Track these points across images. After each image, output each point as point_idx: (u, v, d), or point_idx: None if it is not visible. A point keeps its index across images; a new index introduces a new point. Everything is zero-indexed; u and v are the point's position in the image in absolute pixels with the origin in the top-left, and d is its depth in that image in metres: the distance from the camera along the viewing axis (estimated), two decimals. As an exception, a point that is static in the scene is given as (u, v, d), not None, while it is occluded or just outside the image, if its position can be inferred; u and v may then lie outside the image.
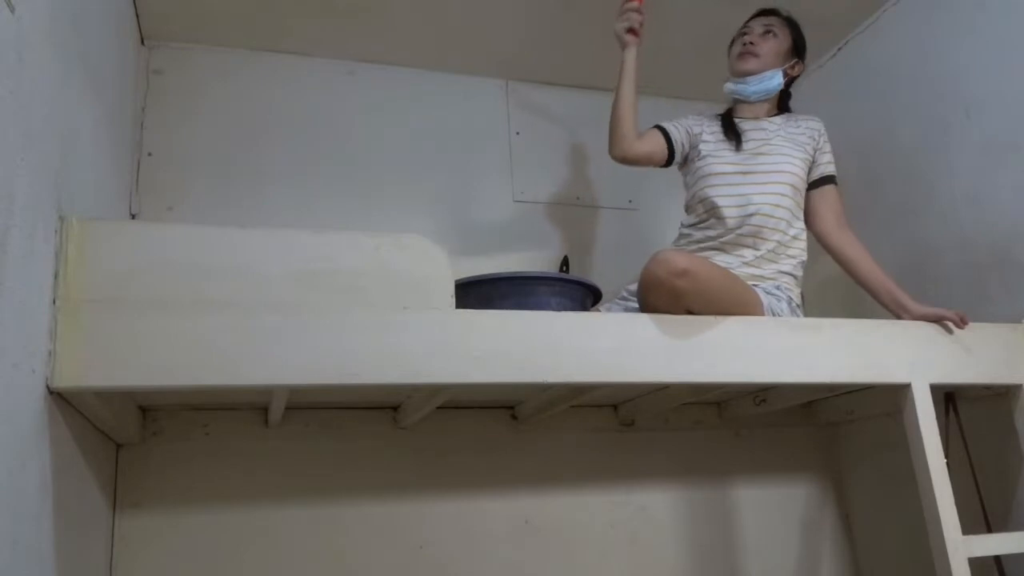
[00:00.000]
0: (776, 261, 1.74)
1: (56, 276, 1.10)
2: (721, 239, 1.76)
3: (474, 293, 1.56)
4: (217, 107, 2.07)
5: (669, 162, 1.91)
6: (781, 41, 1.87)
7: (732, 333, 1.46)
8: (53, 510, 1.12)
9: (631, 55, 1.87)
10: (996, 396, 1.69)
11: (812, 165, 1.83)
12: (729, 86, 1.88)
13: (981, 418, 1.75)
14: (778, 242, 1.74)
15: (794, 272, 1.76)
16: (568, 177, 2.36)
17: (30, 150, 0.99)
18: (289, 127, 2.12)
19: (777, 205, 1.75)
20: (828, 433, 2.23)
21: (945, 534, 1.46)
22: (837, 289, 2.18)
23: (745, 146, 1.82)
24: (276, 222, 2.00)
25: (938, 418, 1.54)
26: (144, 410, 1.70)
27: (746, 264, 1.73)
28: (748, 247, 1.74)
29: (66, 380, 1.07)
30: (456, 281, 1.35)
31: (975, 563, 1.46)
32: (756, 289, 1.64)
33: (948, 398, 1.78)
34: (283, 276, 1.23)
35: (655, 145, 1.90)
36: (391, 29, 2.11)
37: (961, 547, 1.46)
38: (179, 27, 2.03)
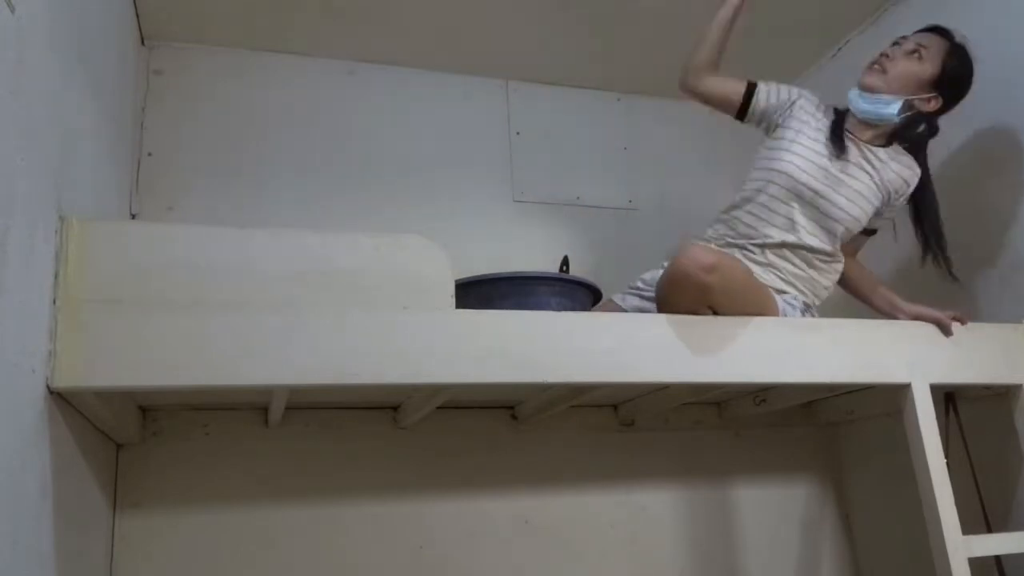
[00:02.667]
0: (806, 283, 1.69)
1: (56, 276, 1.10)
2: (759, 242, 1.66)
3: (474, 293, 1.56)
4: (217, 107, 2.07)
5: (742, 115, 1.76)
6: (924, 66, 1.63)
7: (732, 333, 1.46)
8: (53, 510, 1.12)
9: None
10: (996, 396, 1.69)
11: (882, 215, 1.72)
12: (851, 93, 1.70)
13: (981, 418, 1.75)
14: (808, 263, 1.67)
15: (812, 296, 1.71)
16: (568, 177, 2.36)
17: (30, 150, 0.99)
18: (289, 127, 2.12)
19: (823, 242, 1.66)
20: (828, 433, 2.23)
21: (945, 534, 1.46)
22: (837, 289, 2.18)
23: (839, 159, 1.64)
24: (276, 222, 2.00)
25: (938, 418, 1.54)
26: (144, 410, 1.70)
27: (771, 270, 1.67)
28: (784, 261, 1.67)
29: (66, 380, 1.07)
30: (456, 281, 1.35)
31: (975, 563, 1.46)
32: (777, 297, 1.62)
33: (948, 398, 1.78)
34: (283, 276, 1.23)
35: (731, 89, 1.75)
36: (391, 29, 2.11)
37: (961, 547, 1.46)
38: (179, 27, 2.03)
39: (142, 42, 2.04)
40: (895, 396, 1.57)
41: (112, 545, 1.62)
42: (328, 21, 2.06)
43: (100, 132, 1.48)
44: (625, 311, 1.77)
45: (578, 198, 2.34)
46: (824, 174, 1.64)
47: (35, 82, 1.02)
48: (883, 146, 1.69)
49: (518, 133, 2.34)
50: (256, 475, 1.75)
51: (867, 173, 1.66)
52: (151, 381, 1.12)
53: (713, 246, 1.69)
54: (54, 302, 1.09)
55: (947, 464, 1.51)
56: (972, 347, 1.60)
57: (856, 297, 1.80)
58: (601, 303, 1.88)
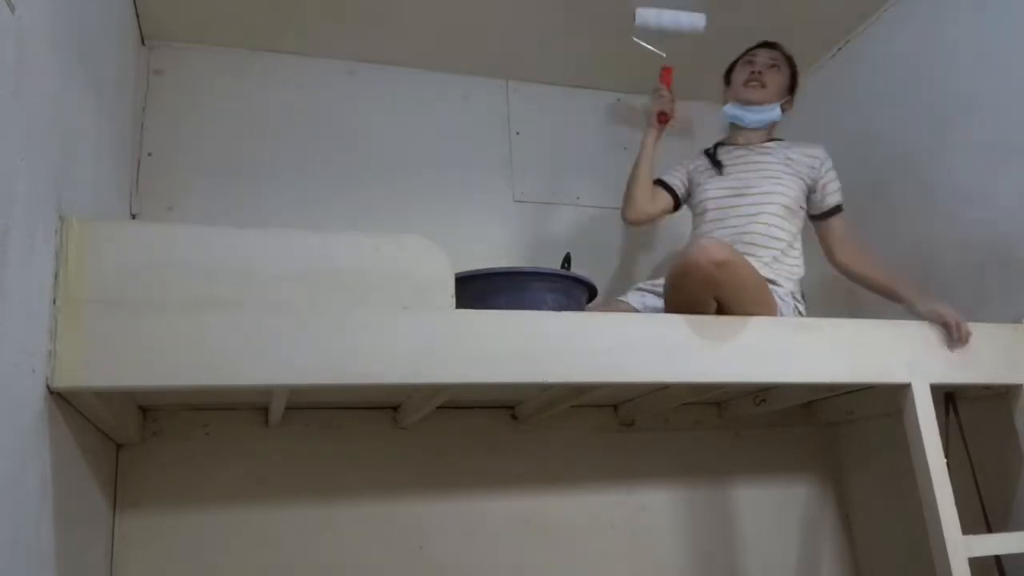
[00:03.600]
0: (774, 271, 1.79)
1: (56, 276, 1.10)
2: None
3: (468, 289, 1.55)
4: (217, 107, 2.07)
5: (678, 206, 2.03)
6: (784, 76, 1.95)
7: (732, 333, 1.46)
8: (53, 510, 1.12)
9: (651, 137, 2.01)
10: (996, 396, 1.69)
11: (814, 195, 1.88)
12: (730, 110, 1.96)
13: (981, 418, 1.75)
14: (773, 258, 1.81)
15: (792, 281, 1.82)
16: (568, 177, 2.36)
17: (30, 150, 0.99)
18: (289, 127, 2.11)
19: (772, 225, 1.82)
20: (828, 433, 2.23)
21: (945, 534, 1.46)
22: (837, 289, 2.18)
23: (732, 171, 1.91)
24: (276, 222, 2.00)
25: (938, 418, 1.54)
26: (144, 410, 1.70)
27: None
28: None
29: (66, 380, 1.07)
30: None
31: (975, 563, 1.46)
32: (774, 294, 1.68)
33: (948, 398, 1.78)
34: (283, 276, 1.23)
35: (661, 200, 2.00)
36: (391, 29, 2.11)
37: (961, 547, 1.46)
38: (179, 27, 2.03)
39: (142, 42, 2.04)
40: (895, 396, 1.57)
41: (112, 545, 1.62)
42: (328, 21, 2.05)
43: (100, 132, 1.48)
44: (638, 311, 1.78)
45: (578, 198, 2.34)
46: (730, 189, 1.89)
47: (35, 82, 1.02)
48: (768, 141, 1.95)
49: (518, 133, 2.34)
50: (256, 475, 1.75)
51: (770, 163, 1.89)
52: (151, 381, 1.12)
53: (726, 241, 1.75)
54: (54, 302, 1.09)
55: (947, 464, 1.51)
56: (972, 347, 1.60)
57: (882, 296, 1.81)
58: (611, 304, 1.89)
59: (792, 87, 1.98)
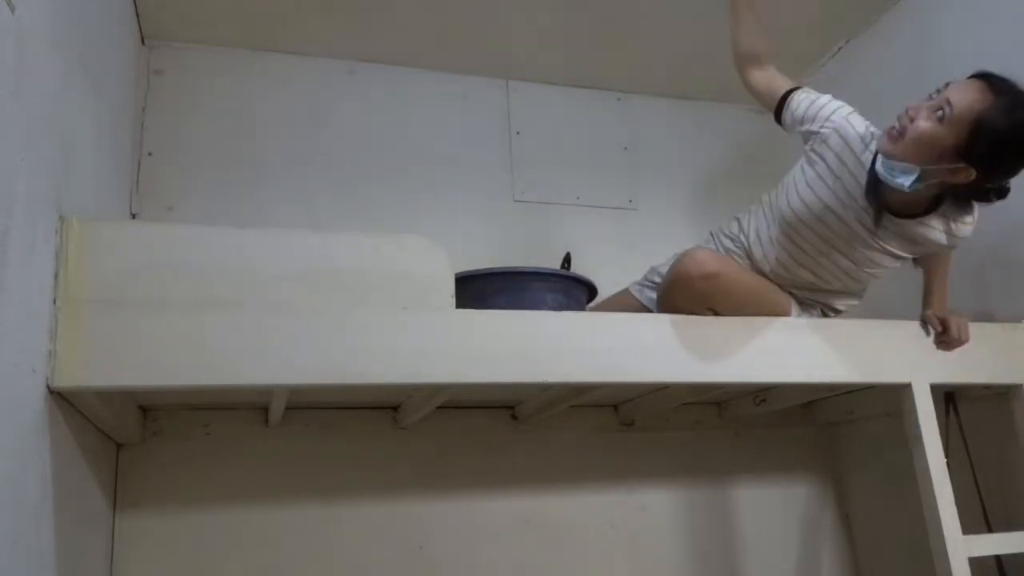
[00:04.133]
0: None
1: (56, 276, 1.10)
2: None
3: (468, 289, 1.56)
4: (217, 107, 2.07)
5: (779, 120, 1.63)
6: (945, 133, 1.32)
7: (732, 333, 1.46)
8: (53, 510, 1.12)
9: None
10: (996, 396, 1.69)
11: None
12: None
13: (981, 418, 1.75)
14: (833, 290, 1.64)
15: (837, 306, 1.68)
16: (568, 177, 2.35)
17: (30, 150, 0.99)
18: (289, 127, 2.11)
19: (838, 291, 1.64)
20: (828, 433, 2.23)
21: (945, 534, 1.46)
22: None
23: (870, 224, 1.48)
24: (276, 222, 2.00)
25: (938, 418, 1.54)
26: (144, 410, 1.70)
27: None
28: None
29: (66, 380, 1.07)
30: None
31: (975, 563, 1.46)
32: (792, 298, 1.60)
33: (948, 398, 1.78)
34: (283, 276, 1.23)
35: (770, 93, 1.62)
36: (391, 29, 2.11)
37: (961, 547, 1.46)
38: (179, 27, 2.03)
39: (142, 42, 2.04)
40: (895, 396, 1.57)
41: (112, 545, 1.62)
42: (328, 21, 2.05)
43: (100, 132, 1.48)
44: (641, 303, 1.77)
45: (578, 198, 2.34)
46: (824, 213, 1.50)
47: (35, 82, 1.02)
48: (923, 215, 1.47)
49: (518, 133, 2.34)
50: (256, 475, 1.75)
51: (893, 244, 1.53)
52: (151, 381, 1.12)
53: (718, 251, 1.68)
54: (54, 302, 1.09)
55: (947, 464, 1.51)
56: (972, 347, 1.59)
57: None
58: (616, 293, 1.88)
59: (968, 153, 1.32)
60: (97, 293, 1.12)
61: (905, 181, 1.35)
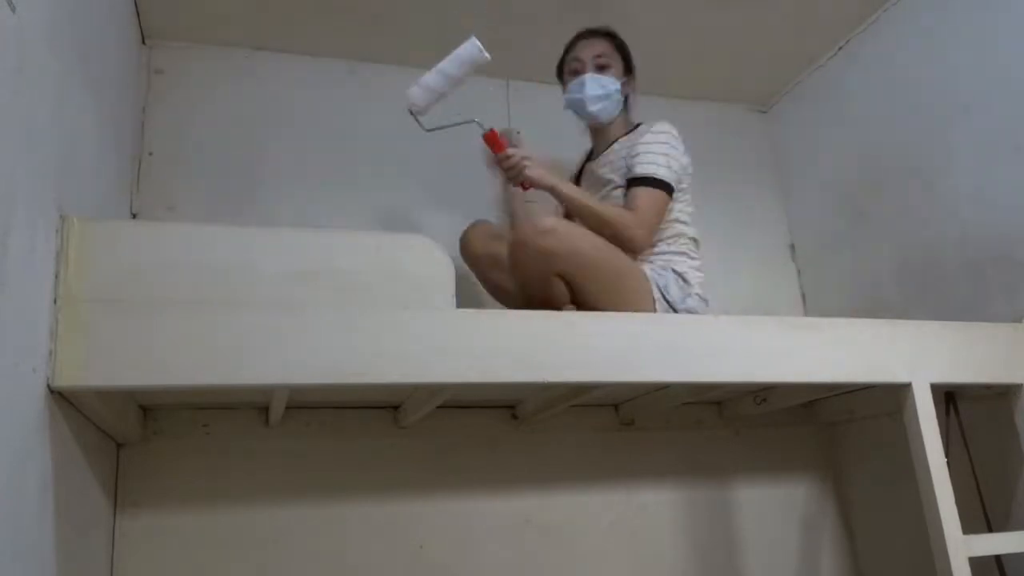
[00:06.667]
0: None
1: (57, 276, 1.10)
2: None
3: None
4: (217, 107, 2.07)
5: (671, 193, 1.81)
6: (616, 68, 1.85)
7: (732, 333, 1.46)
8: (54, 509, 1.12)
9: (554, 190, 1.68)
10: (996, 396, 1.69)
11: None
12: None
13: (981, 418, 1.75)
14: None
15: (674, 252, 1.73)
16: (568, 177, 2.35)
17: (31, 150, 0.99)
18: (289, 127, 2.11)
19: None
20: (828, 433, 2.23)
21: (945, 533, 1.46)
22: (838, 289, 2.18)
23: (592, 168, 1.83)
24: (276, 222, 2.00)
25: (938, 418, 1.54)
26: (145, 409, 1.70)
27: None
28: None
29: (67, 379, 1.07)
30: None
31: (975, 562, 1.46)
32: (650, 262, 1.64)
33: (948, 398, 1.78)
34: (283, 276, 1.23)
35: (661, 201, 1.79)
36: (391, 28, 2.11)
37: (961, 546, 1.46)
38: (180, 27, 2.03)
39: (143, 41, 2.04)
40: (895, 396, 1.57)
41: (113, 544, 1.62)
42: (328, 21, 2.05)
43: (100, 132, 1.48)
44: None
45: (578, 198, 2.33)
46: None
47: (35, 82, 1.02)
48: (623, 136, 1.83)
49: (519, 133, 2.34)
50: (256, 475, 1.75)
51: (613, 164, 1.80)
52: (151, 381, 1.12)
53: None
54: (55, 301, 1.09)
55: (947, 464, 1.51)
56: (972, 347, 1.60)
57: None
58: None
59: (628, 68, 1.88)
60: (97, 293, 1.12)
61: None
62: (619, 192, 1.77)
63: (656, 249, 1.73)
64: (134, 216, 1.90)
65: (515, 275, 1.46)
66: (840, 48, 2.28)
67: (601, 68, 1.82)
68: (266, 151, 2.08)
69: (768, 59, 2.32)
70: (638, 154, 1.73)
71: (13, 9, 0.91)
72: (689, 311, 1.67)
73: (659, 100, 2.46)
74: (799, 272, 2.44)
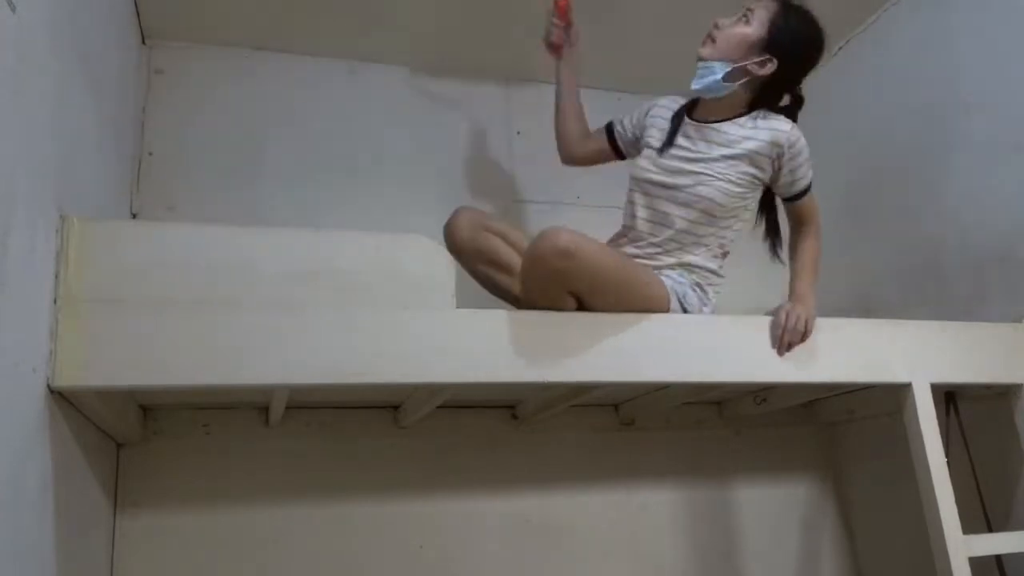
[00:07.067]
0: (684, 253, 1.61)
1: (57, 275, 1.10)
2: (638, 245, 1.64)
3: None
4: (217, 107, 2.07)
5: (620, 154, 1.85)
6: (752, 29, 1.55)
7: (732, 333, 1.46)
8: (54, 509, 1.12)
9: (558, 67, 1.83)
10: (996, 396, 1.69)
11: (779, 181, 1.61)
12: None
13: (981, 418, 1.75)
14: (697, 246, 1.61)
15: (703, 264, 1.61)
16: (568, 177, 2.35)
17: (31, 150, 0.99)
18: (289, 127, 2.11)
19: (696, 233, 1.59)
20: (828, 433, 2.23)
21: (946, 533, 1.46)
22: (838, 289, 2.18)
23: (673, 152, 1.61)
24: (276, 222, 2.00)
25: (938, 418, 1.54)
26: (145, 409, 1.70)
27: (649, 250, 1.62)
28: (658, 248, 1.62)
29: (67, 379, 1.07)
30: None
31: (975, 562, 1.46)
32: (660, 276, 1.54)
33: (948, 398, 1.78)
34: (283, 276, 1.23)
35: (598, 143, 1.85)
36: (392, 29, 2.11)
37: (962, 546, 1.46)
38: (180, 27, 2.03)
39: (143, 41, 2.04)
40: (895, 396, 1.57)
41: (112, 544, 1.62)
42: (328, 21, 2.05)
43: (100, 132, 1.48)
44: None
45: (578, 198, 2.34)
46: (665, 169, 1.61)
47: (35, 82, 1.02)
48: (737, 117, 1.60)
49: (518, 133, 2.34)
50: (256, 474, 1.75)
51: (715, 147, 1.58)
52: (151, 381, 1.12)
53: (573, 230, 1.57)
54: (55, 301, 1.09)
55: (947, 464, 1.51)
56: (972, 347, 1.60)
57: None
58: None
59: (772, 44, 1.54)
60: (97, 293, 1.12)
61: (717, 75, 1.55)
62: (723, 169, 1.57)
63: (693, 254, 1.60)
64: (134, 216, 1.90)
65: (525, 285, 1.40)
66: (840, 48, 2.28)
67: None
68: (266, 151, 2.08)
69: (768, 59, 2.32)
70: (799, 167, 1.59)
71: (13, 9, 0.91)
72: None
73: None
74: (799, 272, 2.44)
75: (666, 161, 1.62)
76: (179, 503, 1.69)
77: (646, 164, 1.66)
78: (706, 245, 1.61)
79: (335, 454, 1.81)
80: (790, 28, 1.56)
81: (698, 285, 1.61)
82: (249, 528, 1.72)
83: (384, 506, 1.82)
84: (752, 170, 1.58)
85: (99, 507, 1.52)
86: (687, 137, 1.63)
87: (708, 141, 1.60)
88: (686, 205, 1.58)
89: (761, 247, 2.41)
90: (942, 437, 1.53)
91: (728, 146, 1.58)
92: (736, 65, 1.55)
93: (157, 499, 1.67)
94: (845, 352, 1.51)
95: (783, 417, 2.13)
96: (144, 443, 1.69)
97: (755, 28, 1.55)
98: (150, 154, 1.98)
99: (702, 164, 1.58)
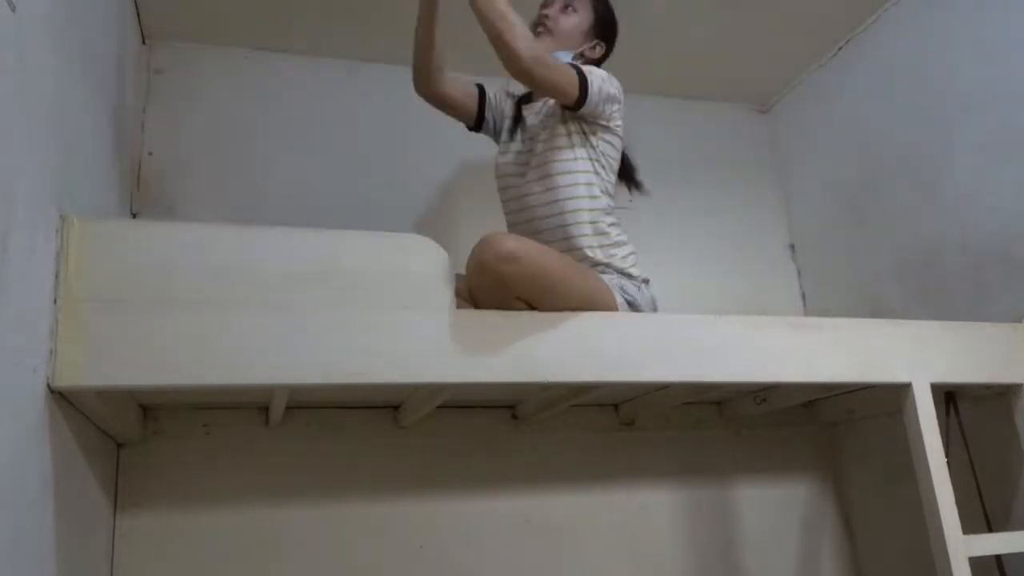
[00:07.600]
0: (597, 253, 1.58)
1: (57, 276, 1.10)
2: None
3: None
4: (218, 107, 2.07)
5: (478, 126, 1.79)
6: (582, 18, 1.68)
7: (732, 333, 1.46)
8: (54, 509, 1.12)
9: None
10: (996, 396, 1.69)
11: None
12: None
13: (981, 418, 1.75)
14: (587, 244, 1.58)
15: (619, 265, 1.58)
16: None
17: (31, 150, 0.99)
18: (289, 127, 2.12)
19: (561, 212, 1.57)
20: (828, 433, 2.23)
21: (946, 533, 1.46)
22: (838, 289, 2.18)
23: (523, 135, 1.65)
24: (276, 222, 1.99)
25: (938, 418, 1.54)
26: (145, 409, 1.70)
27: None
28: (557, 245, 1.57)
29: (67, 379, 1.07)
30: None
31: (975, 562, 1.46)
32: (604, 276, 1.53)
33: (948, 398, 1.78)
34: (283, 276, 1.23)
35: (465, 97, 1.77)
36: (392, 28, 2.10)
37: (961, 546, 1.46)
38: (180, 26, 2.03)
39: (143, 41, 2.04)
40: (895, 396, 1.57)
41: (113, 544, 1.62)
42: (328, 21, 2.06)
43: (100, 132, 1.48)
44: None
45: (578, 198, 2.33)
46: (519, 153, 1.66)
47: (36, 82, 1.02)
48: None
49: (518, 133, 2.33)
50: (256, 474, 1.75)
51: (552, 118, 1.62)
52: (152, 380, 1.12)
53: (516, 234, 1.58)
54: (55, 301, 1.09)
55: (947, 464, 1.51)
56: (972, 347, 1.60)
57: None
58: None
59: (600, 29, 1.68)
60: (97, 293, 1.12)
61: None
62: (545, 140, 1.62)
63: (598, 258, 1.58)
64: (134, 216, 1.90)
65: (472, 292, 1.39)
66: (840, 48, 2.28)
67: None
68: (266, 151, 2.08)
69: (768, 59, 2.32)
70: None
71: (13, 9, 0.91)
72: (651, 301, 1.60)
73: (659, 100, 2.47)
74: (799, 272, 2.44)
75: (521, 146, 1.67)
76: (179, 503, 1.69)
77: (501, 160, 1.72)
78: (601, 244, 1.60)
79: (335, 454, 1.81)
80: (608, 12, 1.72)
81: (622, 272, 1.58)
82: (249, 528, 1.72)
83: (384, 506, 1.82)
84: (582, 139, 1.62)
85: (99, 507, 1.52)
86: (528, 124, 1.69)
87: (545, 115, 1.66)
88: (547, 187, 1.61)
89: (761, 250, 2.42)
90: (942, 437, 1.53)
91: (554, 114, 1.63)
92: (576, 52, 1.67)
93: (157, 499, 1.67)
94: (845, 352, 1.51)
95: (783, 417, 2.13)
96: (144, 443, 1.69)
97: (583, 17, 1.69)
98: (150, 154, 1.98)
99: (548, 134, 1.63)
